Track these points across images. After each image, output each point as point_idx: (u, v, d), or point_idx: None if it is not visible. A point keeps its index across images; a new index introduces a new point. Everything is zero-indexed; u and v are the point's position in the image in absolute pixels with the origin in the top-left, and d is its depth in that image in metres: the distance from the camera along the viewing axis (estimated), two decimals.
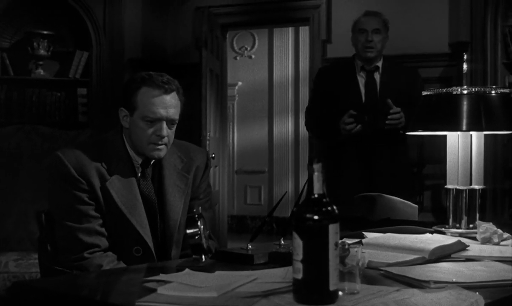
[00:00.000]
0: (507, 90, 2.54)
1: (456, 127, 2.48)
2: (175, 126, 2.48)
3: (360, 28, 4.29)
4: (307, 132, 7.26)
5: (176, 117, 2.46)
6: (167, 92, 2.42)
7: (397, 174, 4.21)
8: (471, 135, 2.56)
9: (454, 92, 2.48)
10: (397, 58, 4.89)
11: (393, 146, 4.19)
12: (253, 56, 9.38)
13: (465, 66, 2.49)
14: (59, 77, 6.13)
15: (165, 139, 2.43)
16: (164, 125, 2.42)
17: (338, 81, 4.29)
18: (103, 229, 2.41)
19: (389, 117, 4.01)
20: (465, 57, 2.57)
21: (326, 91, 4.32)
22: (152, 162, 2.52)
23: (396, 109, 4.00)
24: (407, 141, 4.30)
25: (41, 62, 6.03)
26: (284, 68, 9.22)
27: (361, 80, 4.28)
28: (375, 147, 4.16)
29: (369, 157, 4.17)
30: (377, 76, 4.29)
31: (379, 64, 4.31)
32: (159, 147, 2.44)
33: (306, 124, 4.61)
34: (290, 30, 9.08)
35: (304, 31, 8.54)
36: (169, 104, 2.42)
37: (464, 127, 2.45)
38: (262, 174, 9.33)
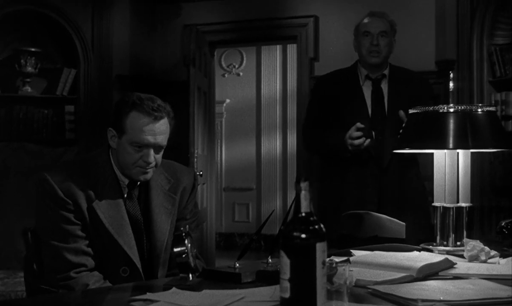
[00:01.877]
0: (493, 108, 2.56)
1: (442, 145, 2.49)
2: (163, 151, 2.48)
3: (365, 31, 3.81)
4: (295, 149, 7.28)
5: (164, 143, 2.44)
6: (156, 119, 2.39)
7: (410, 196, 3.71)
8: (457, 153, 2.57)
9: (441, 110, 2.50)
10: None
11: (405, 164, 3.70)
12: (241, 74, 9.41)
13: (451, 84, 2.50)
14: (47, 94, 6.11)
15: (152, 164, 2.43)
16: (151, 151, 2.41)
17: (339, 92, 3.80)
18: (89, 249, 2.39)
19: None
20: (451, 75, 2.57)
21: (326, 104, 3.82)
22: (138, 183, 2.51)
23: None
24: (419, 159, 3.82)
25: (28, 79, 6.01)
26: (272, 85, 9.25)
27: (367, 90, 3.78)
28: (385, 165, 3.68)
29: (379, 177, 3.68)
30: (384, 86, 3.80)
31: (386, 72, 3.83)
32: (146, 170, 2.43)
33: (305, 141, 4.04)
34: (278, 48, 9.12)
35: (292, 49, 8.58)
36: (158, 131, 2.40)
37: (450, 145, 2.47)
38: (250, 191, 9.32)
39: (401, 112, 3.51)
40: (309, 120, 3.93)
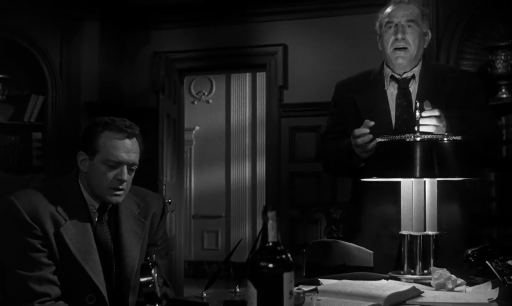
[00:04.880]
0: (458, 137, 2.58)
1: (409, 174, 2.51)
2: (134, 172, 2.47)
3: (388, 21, 2.99)
4: (264, 177, 7.27)
5: (137, 162, 2.46)
6: (129, 136, 2.42)
7: (447, 227, 2.72)
8: (424, 182, 2.59)
9: (408, 139, 2.52)
10: None
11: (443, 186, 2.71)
12: (210, 101, 9.42)
13: (417, 113, 2.51)
14: (14, 121, 6.06)
15: (124, 184, 2.42)
16: (125, 169, 2.41)
17: (360, 98, 3.05)
18: (55, 277, 2.36)
19: (420, 122, 2.63)
20: (417, 104, 2.55)
21: (344, 113, 3.09)
22: (109, 207, 2.49)
23: (432, 111, 2.67)
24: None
25: None
26: (241, 113, 9.27)
27: (391, 95, 3.01)
28: None
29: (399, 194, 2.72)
30: (413, 88, 3.00)
31: (416, 70, 3.02)
32: (118, 192, 2.42)
33: (319, 157, 3.24)
34: (248, 75, 9.17)
35: (261, 77, 8.62)
36: (130, 149, 2.42)
37: (417, 174, 2.48)
38: (219, 219, 9.29)
39: (427, 102, 2.70)
40: (325, 133, 3.19)
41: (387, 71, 3.04)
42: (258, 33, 6.41)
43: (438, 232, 2.57)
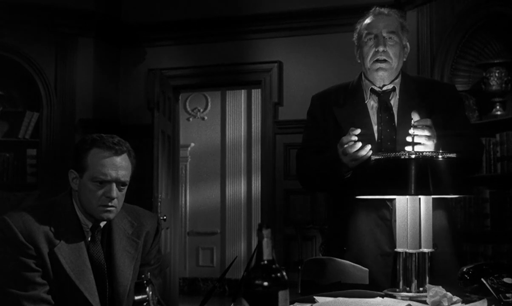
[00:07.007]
0: (453, 155, 2.59)
1: (404, 191, 2.51)
2: (126, 188, 2.46)
3: (367, 32, 2.91)
4: (259, 194, 7.28)
5: (127, 179, 2.44)
6: (117, 153, 2.40)
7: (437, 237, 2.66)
8: (419, 199, 2.59)
9: (402, 156, 2.51)
10: None
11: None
12: (205, 118, 9.44)
13: (411, 130, 2.50)
14: (8, 138, 6.04)
15: (115, 201, 2.41)
16: (114, 186, 2.40)
17: (338, 111, 2.95)
18: (49, 297, 2.35)
19: (410, 131, 2.60)
20: (412, 121, 2.53)
21: (323, 127, 2.99)
22: (102, 226, 2.48)
23: (424, 121, 2.62)
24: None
25: None
26: (236, 129, 9.28)
27: (372, 108, 2.93)
28: None
29: (390, 221, 2.80)
30: (394, 101, 2.92)
31: (397, 82, 2.95)
32: (109, 209, 2.41)
33: (297, 173, 3.09)
34: (243, 92, 9.19)
35: (256, 94, 8.64)
36: (119, 166, 2.40)
37: (412, 191, 2.48)
38: (214, 236, 9.28)
39: (415, 113, 2.63)
40: (302, 148, 3.07)
41: (367, 83, 2.97)
42: (253, 50, 6.43)
43: (433, 250, 2.57)
